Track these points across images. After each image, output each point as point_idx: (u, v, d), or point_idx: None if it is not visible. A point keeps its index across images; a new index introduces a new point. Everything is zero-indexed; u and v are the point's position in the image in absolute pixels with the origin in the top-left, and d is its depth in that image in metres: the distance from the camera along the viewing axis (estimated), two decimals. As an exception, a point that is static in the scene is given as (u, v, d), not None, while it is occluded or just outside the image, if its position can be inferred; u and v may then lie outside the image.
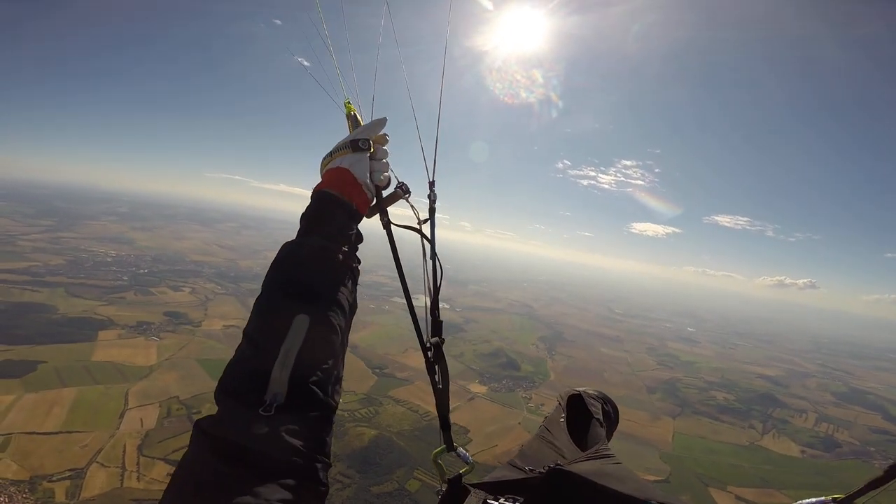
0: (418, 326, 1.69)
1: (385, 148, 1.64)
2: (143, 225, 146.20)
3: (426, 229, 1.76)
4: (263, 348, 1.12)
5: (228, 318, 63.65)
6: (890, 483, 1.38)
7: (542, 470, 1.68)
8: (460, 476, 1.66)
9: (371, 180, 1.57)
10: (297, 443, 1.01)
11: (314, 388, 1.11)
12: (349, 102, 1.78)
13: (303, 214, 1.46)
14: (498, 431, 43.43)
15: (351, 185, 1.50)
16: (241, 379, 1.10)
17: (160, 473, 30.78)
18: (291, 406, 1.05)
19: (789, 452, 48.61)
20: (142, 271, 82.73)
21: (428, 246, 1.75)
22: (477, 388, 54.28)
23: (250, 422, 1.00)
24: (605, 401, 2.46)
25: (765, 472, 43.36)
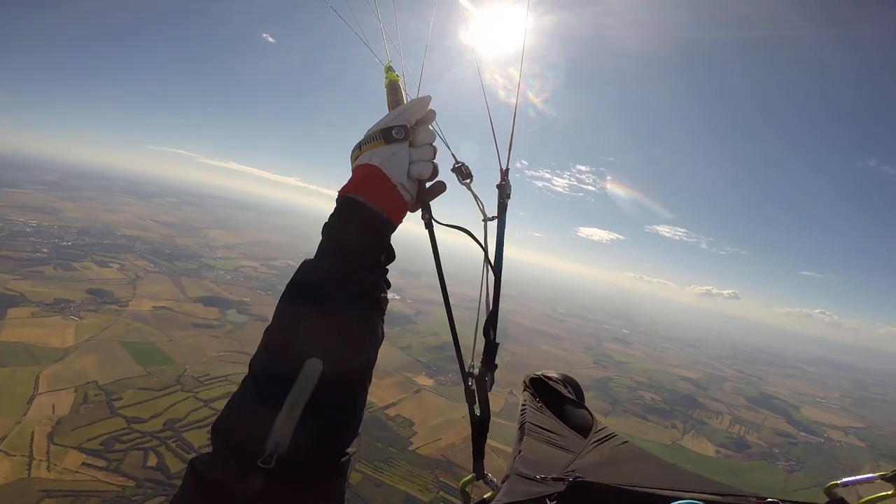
0: (459, 347, 1.42)
1: (432, 128, 1.29)
2: (72, 195, 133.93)
3: (492, 228, 1.42)
4: (269, 392, 0.96)
5: (159, 299, 59.97)
6: None
7: (556, 476, 1.65)
8: (485, 501, 1.54)
9: (409, 175, 1.23)
10: None
11: (324, 441, 0.98)
12: (391, 68, 1.38)
13: (326, 224, 1.18)
14: (442, 425, 43.83)
15: (382, 187, 1.18)
16: (241, 421, 0.97)
17: (74, 463, 28.65)
18: (295, 459, 0.91)
19: (705, 452, 52.38)
20: (65, 244, 75.72)
21: (492, 249, 1.43)
22: (423, 380, 54.51)
23: (245, 474, 0.88)
24: (567, 382, 2.42)
25: None
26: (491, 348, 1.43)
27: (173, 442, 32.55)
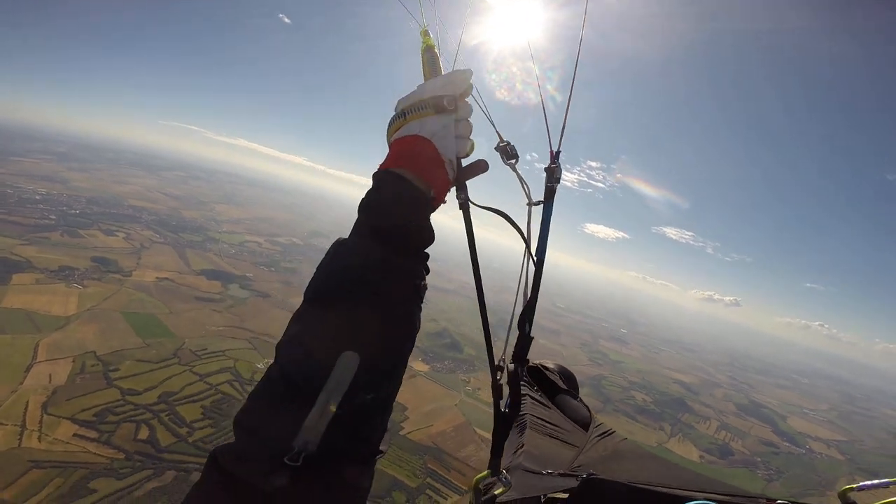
0: (490, 339, 1.28)
1: (469, 103, 1.18)
2: (81, 166, 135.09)
3: (536, 214, 1.29)
4: (300, 388, 0.88)
5: (163, 270, 60.69)
6: None
7: (564, 472, 1.62)
8: (494, 497, 1.45)
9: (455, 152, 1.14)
10: None
11: (355, 440, 0.92)
12: (427, 32, 1.30)
13: (363, 201, 1.07)
14: (435, 411, 44.30)
15: (434, 163, 1.10)
16: (268, 416, 0.89)
17: (65, 433, 29.12)
18: (324, 458, 0.85)
19: (689, 456, 52.74)
20: (73, 212, 76.82)
21: (536, 237, 1.31)
22: (420, 366, 55.10)
23: (270, 470, 0.82)
24: (562, 372, 2.33)
25: None
26: (524, 342, 1.30)
27: (166, 416, 33.02)
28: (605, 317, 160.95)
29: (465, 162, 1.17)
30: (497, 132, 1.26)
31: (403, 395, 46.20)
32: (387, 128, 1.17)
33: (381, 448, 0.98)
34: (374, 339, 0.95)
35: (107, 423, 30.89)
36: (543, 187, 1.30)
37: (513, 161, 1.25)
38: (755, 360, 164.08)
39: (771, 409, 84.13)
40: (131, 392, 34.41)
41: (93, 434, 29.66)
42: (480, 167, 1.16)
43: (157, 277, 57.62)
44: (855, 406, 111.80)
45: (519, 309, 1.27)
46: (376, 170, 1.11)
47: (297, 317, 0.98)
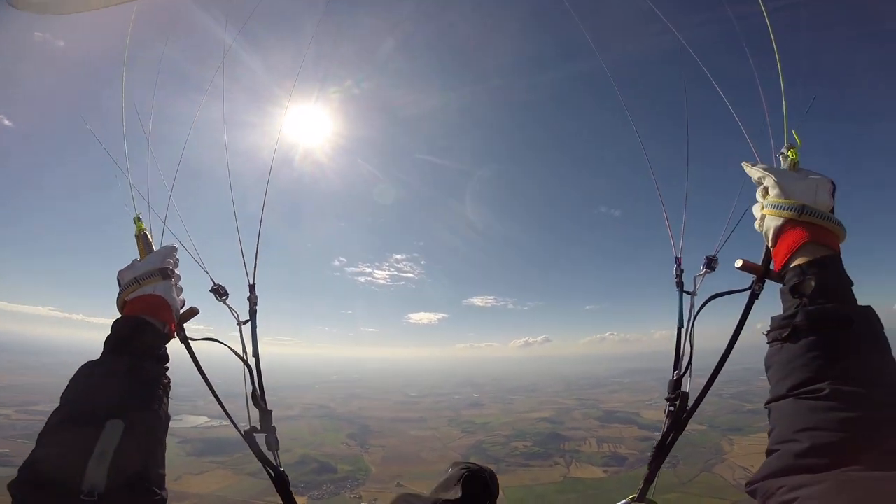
0: (235, 423, 1.72)
1: (177, 271, 1.72)
2: None
3: (246, 331, 1.81)
4: (74, 448, 1.14)
5: None
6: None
7: None
8: None
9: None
10: None
11: (139, 480, 1.20)
12: (140, 219, 1.76)
13: (108, 339, 1.45)
14: None
15: (164, 310, 1.59)
16: (51, 472, 1.11)
17: None
18: (115, 497, 1.10)
19: (595, 475, 54.46)
20: None
21: (240, 348, 1.80)
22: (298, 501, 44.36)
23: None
24: (483, 472, 2.19)
25: (591, 499, 47.35)
26: (265, 414, 1.76)
27: None
28: (456, 389, 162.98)
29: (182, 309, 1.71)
30: (211, 278, 1.83)
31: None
32: (118, 294, 1.62)
33: (162, 492, 1.27)
34: (135, 412, 1.29)
35: None
36: (248, 309, 1.86)
37: (224, 298, 1.81)
38: (584, 378, 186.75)
39: (622, 411, 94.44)
40: None
41: None
42: (194, 312, 1.72)
43: None
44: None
45: (253, 391, 1.79)
46: (116, 318, 1.53)
47: (52, 415, 1.26)
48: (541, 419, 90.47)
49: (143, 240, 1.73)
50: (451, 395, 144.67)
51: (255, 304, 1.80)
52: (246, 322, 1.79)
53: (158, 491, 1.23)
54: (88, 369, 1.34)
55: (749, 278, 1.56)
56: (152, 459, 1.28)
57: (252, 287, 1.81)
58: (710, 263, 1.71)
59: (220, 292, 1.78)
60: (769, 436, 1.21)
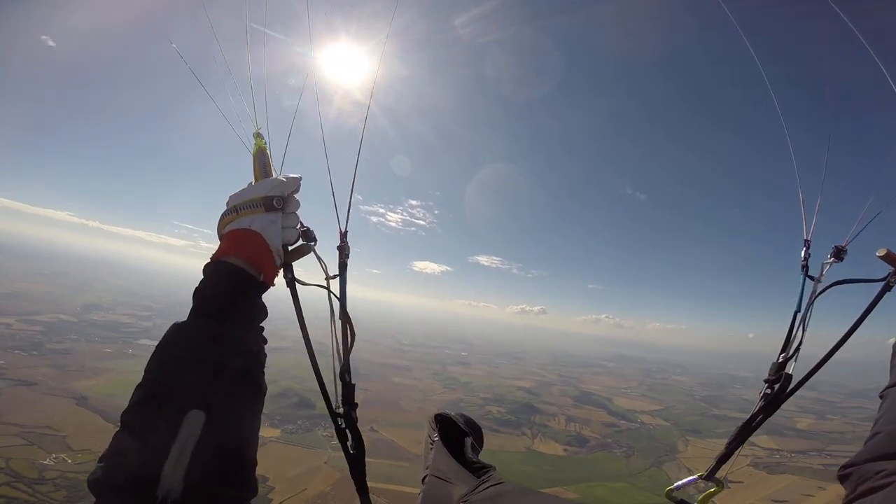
0: (326, 392, 1.48)
1: (297, 197, 1.43)
2: None
3: (335, 285, 1.51)
4: (152, 446, 0.98)
5: None
6: (736, 455, 1.53)
7: None
8: None
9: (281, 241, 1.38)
10: None
11: (216, 486, 1.03)
12: (260, 134, 1.52)
13: (197, 289, 1.23)
14: (304, 474, 38.77)
15: (263, 253, 1.30)
16: (127, 474, 0.97)
17: None
18: (189, 499, 0.96)
19: (556, 452, 57.00)
20: None
21: (337, 304, 1.50)
22: (269, 431, 47.88)
23: None
24: (468, 423, 2.34)
25: (546, 473, 49.49)
26: (348, 389, 1.49)
27: None
28: (447, 344, 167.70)
29: (291, 247, 1.44)
30: (300, 220, 1.48)
31: (261, 467, 38.46)
32: (218, 220, 1.36)
33: (246, 495, 1.11)
34: (218, 398, 1.07)
35: None
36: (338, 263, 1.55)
37: (313, 244, 1.48)
38: (571, 355, 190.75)
39: (598, 395, 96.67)
40: None
41: None
42: (303, 251, 1.45)
43: None
44: (654, 378, 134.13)
45: (338, 364, 1.50)
46: (208, 261, 1.29)
47: (139, 386, 1.10)
48: (520, 388, 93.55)
49: (259, 159, 1.46)
50: (442, 349, 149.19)
51: (348, 255, 1.53)
52: (335, 277, 1.50)
53: (245, 480, 1.11)
54: (174, 337, 1.14)
55: (883, 270, 1.53)
56: (241, 446, 1.14)
57: (343, 234, 1.53)
58: (839, 253, 1.63)
59: (308, 236, 1.46)
60: (876, 423, 1.22)
